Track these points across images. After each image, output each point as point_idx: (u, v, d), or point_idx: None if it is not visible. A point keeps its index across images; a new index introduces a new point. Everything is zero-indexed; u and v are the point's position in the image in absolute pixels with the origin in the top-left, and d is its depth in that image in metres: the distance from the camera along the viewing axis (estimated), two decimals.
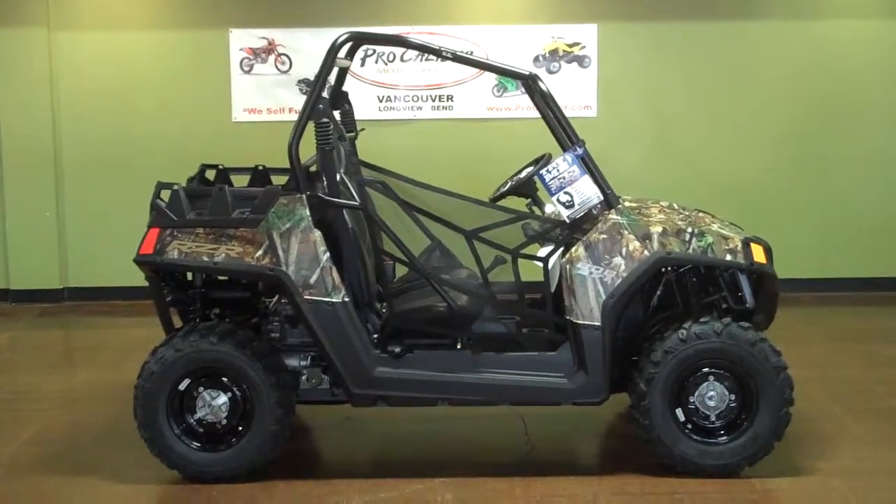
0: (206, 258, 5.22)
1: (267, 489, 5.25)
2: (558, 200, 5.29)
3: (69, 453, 5.83)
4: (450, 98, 9.62)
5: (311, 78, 8.82)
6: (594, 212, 5.31)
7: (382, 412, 5.82)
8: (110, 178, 9.63)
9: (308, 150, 5.31)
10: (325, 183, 5.27)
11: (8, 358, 8.27)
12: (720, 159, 9.74)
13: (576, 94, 9.62)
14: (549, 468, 5.48)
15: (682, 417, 5.26)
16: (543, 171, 5.31)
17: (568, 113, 9.34)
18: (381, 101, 9.63)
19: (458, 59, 5.44)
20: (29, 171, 9.64)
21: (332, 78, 6.21)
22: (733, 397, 5.24)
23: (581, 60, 9.60)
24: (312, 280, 5.17)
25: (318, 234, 5.19)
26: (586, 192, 5.27)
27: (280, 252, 5.17)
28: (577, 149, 5.28)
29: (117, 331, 8.88)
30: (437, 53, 5.40)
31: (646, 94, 9.71)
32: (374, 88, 9.61)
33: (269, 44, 9.56)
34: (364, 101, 9.50)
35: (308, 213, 5.19)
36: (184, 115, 9.65)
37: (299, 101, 9.25)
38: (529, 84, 5.36)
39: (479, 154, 9.49)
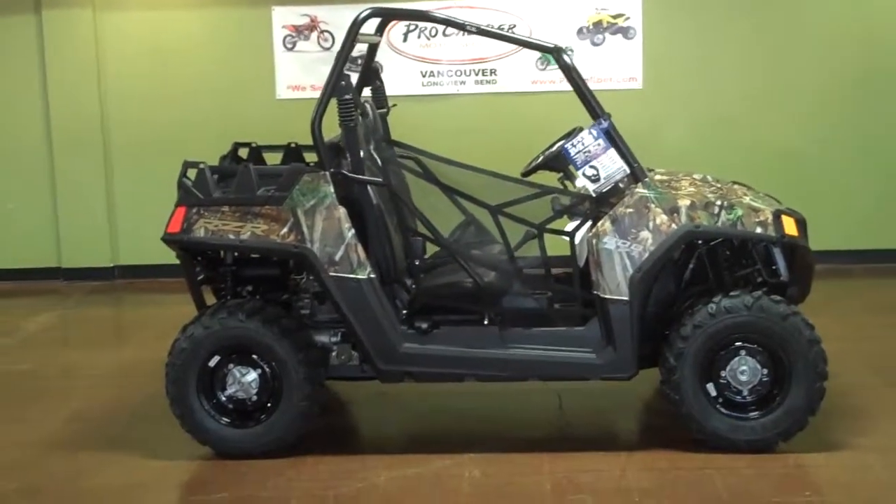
0: (232, 236, 5.25)
1: (296, 464, 5.28)
2: (584, 174, 5.23)
3: (107, 429, 5.93)
4: (493, 72, 9.56)
5: (354, 54, 8.81)
6: (621, 185, 5.25)
7: (417, 388, 5.83)
8: (157, 157, 9.70)
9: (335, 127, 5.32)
10: (350, 160, 5.27)
11: (58, 335, 8.44)
12: (771, 130, 9.55)
13: (621, 66, 9.49)
14: (581, 443, 5.46)
15: (713, 392, 5.18)
16: (569, 145, 5.26)
17: (613, 85, 9.46)
18: (424, 77, 9.59)
19: (482, 32, 5.39)
20: (78, 151, 9.77)
21: (364, 54, 6.24)
22: (766, 371, 5.15)
23: (626, 32, 9.47)
24: (337, 257, 5.17)
25: (342, 210, 5.18)
26: (612, 165, 5.20)
27: (305, 229, 5.18)
28: (603, 122, 5.21)
29: (165, 308, 8.92)
30: (462, 28, 5.37)
31: (692, 64, 9.54)
32: (417, 64, 9.57)
33: (312, 21, 9.57)
34: (407, 77, 9.51)
35: (332, 189, 5.19)
36: (228, 93, 9.71)
37: None
38: (555, 57, 5.30)
39: (523, 127, 9.36)
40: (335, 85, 5.18)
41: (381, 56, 9.25)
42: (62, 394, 6.64)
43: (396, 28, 9.45)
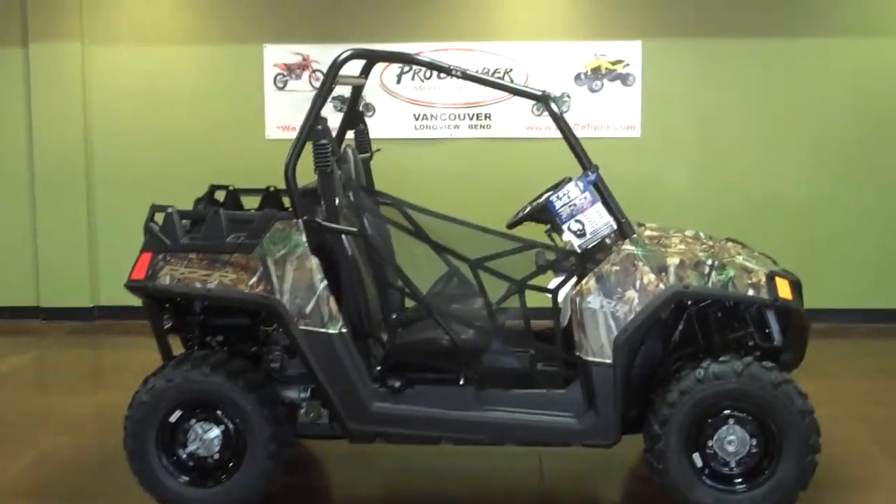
0: (198, 285, 5.01)
1: None
2: (569, 229, 4.98)
3: (67, 479, 5.68)
4: (488, 116, 9.35)
5: (346, 95, 8.62)
6: (608, 241, 4.99)
7: (391, 446, 5.54)
8: (142, 197, 9.31)
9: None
10: (325, 207, 5.03)
11: (30, 378, 8.18)
12: (770, 182, 9.32)
13: (619, 113, 9.28)
14: None
15: (699, 463, 4.90)
16: (554, 198, 5.01)
17: (611, 133, 9.25)
18: (417, 119, 9.38)
19: (468, 77, 5.16)
20: (61, 188, 9.56)
21: (349, 96, 6.06)
22: (755, 442, 4.88)
23: (625, 78, 9.27)
24: (308, 309, 4.92)
25: (314, 261, 4.94)
26: (598, 220, 4.95)
27: (274, 279, 4.93)
28: (590, 174, 4.97)
29: (145, 351, 8.50)
30: (448, 72, 5.15)
31: (692, 113, 9.35)
32: (410, 106, 9.37)
33: (304, 59, 9.39)
34: (400, 119, 9.30)
35: (304, 238, 4.95)
36: (217, 131, 9.51)
37: (334, 118, 9.05)
38: (544, 104, 5.07)
39: (517, 173, 9.16)
40: (311, 128, 4.96)
41: (374, 98, 9.17)
42: (27, 440, 6.37)
43: (390, 70, 9.27)
